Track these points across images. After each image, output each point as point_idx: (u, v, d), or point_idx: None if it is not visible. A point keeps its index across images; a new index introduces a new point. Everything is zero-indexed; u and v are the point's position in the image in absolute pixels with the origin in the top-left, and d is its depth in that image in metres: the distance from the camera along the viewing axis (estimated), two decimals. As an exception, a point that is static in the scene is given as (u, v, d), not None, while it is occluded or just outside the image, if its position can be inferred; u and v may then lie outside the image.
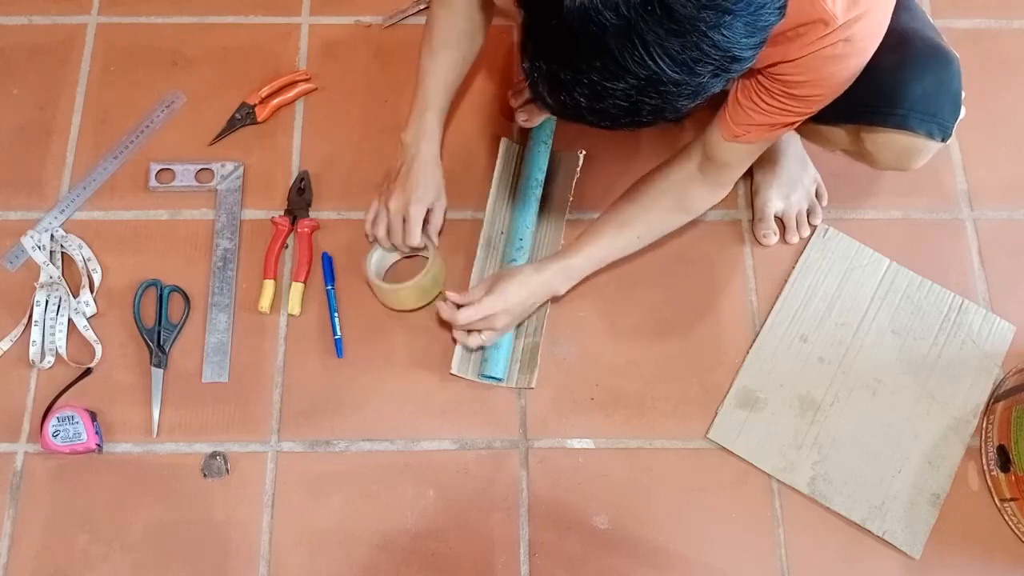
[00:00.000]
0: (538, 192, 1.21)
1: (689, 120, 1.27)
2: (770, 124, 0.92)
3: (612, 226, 1.11)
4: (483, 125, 1.29)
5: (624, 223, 1.10)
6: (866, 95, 0.93)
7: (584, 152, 1.21)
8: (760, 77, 0.89)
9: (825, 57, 0.83)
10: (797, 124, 0.93)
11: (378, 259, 1.17)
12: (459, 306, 1.08)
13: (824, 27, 0.80)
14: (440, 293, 1.14)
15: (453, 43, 1.11)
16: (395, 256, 1.19)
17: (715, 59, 0.67)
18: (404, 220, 1.13)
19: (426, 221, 1.14)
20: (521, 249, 1.17)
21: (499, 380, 1.13)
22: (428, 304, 1.16)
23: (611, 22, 0.64)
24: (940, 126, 0.95)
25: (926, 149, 0.97)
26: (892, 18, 0.90)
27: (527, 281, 1.09)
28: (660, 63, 0.65)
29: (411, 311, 1.17)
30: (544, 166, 1.22)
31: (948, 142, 0.97)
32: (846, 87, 0.88)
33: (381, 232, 1.15)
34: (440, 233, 1.18)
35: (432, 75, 1.12)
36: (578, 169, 1.21)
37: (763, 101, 0.90)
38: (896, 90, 0.94)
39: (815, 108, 0.90)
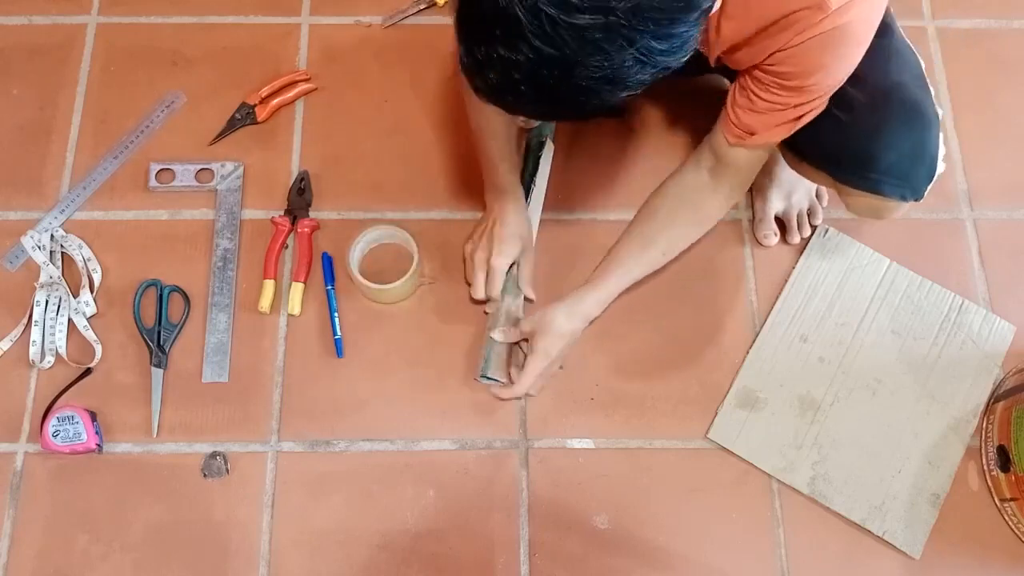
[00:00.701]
0: (537, 193, 1.21)
1: (687, 124, 1.27)
2: (770, 123, 0.92)
3: (636, 246, 1.10)
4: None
5: (648, 242, 1.10)
6: (842, 154, 0.96)
7: (551, 141, 1.21)
8: (756, 72, 0.89)
9: (820, 45, 0.82)
10: (799, 122, 0.92)
11: (361, 249, 1.17)
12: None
13: (819, 12, 0.79)
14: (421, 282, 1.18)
15: (494, 129, 1.09)
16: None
17: (625, 37, 0.66)
18: (488, 272, 1.12)
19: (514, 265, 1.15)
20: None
21: (500, 381, 1.13)
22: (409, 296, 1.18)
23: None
24: (912, 190, 0.97)
25: (897, 209, 1.00)
26: (879, 69, 0.91)
27: (565, 326, 1.09)
28: (563, 35, 0.65)
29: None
30: (540, 169, 1.22)
31: (919, 202, 0.98)
32: (844, 80, 0.88)
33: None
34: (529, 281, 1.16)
35: (487, 132, 1.09)
36: (550, 156, 1.21)
37: (759, 98, 0.90)
38: (871, 154, 0.95)
39: (813, 99, 0.89)
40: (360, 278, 1.13)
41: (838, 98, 0.90)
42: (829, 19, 0.80)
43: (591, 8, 0.64)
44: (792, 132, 0.93)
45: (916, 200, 0.97)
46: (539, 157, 1.21)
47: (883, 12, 0.86)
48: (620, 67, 0.68)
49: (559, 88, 0.69)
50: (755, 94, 0.90)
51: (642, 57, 0.68)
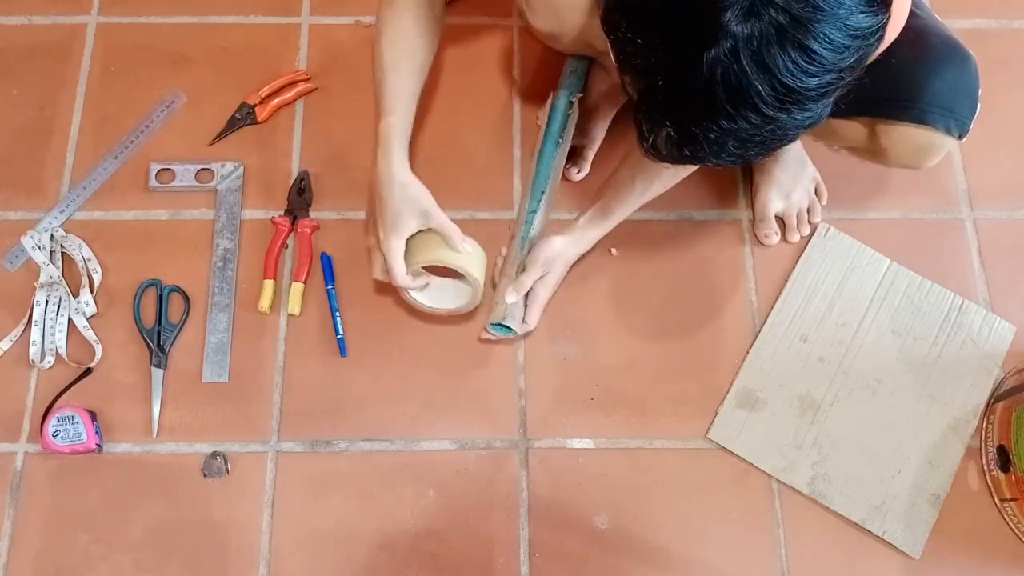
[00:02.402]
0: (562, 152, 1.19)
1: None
2: None
3: (641, 176, 1.10)
4: (482, 124, 1.29)
5: (653, 173, 1.09)
6: (884, 88, 0.92)
7: (580, 95, 1.19)
8: None
9: None
10: None
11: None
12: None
13: None
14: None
15: (401, 46, 1.01)
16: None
17: (845, 80, 0.69)
18: (386, 257, 1.01)
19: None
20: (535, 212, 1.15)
21: (512, 332, 1.11)
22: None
23: (755, 71, 0.65)
24: (958, 122, 0.95)
25: (942, 145, 0.97)
26: (910, 13, 0.90)
27: (572, 255, 1.13)
28: (803, 108, 0.68)
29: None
30: (568, 128, 1.20)
31: (963, 140, 0.97)
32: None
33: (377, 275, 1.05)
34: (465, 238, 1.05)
35: (388, 86, 1.00)
36: (571, 112, 1.19)
37: None
38: (915, 84, 0.94)
39: None
40: (430, 306, 1.11)
41: None
42: None
43: (823, 71, 0.67)
44: None
45: (961, 136, 0.96)
46: (568, 116, 1.19)
47: (907, 13, 0.87)
48: (826, 109, 0.71)
49: (768, 141, 0.71)
50: None
51: (836, 96, 0.71)
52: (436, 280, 1.11)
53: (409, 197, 0.99)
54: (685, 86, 0.68)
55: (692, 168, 1.11)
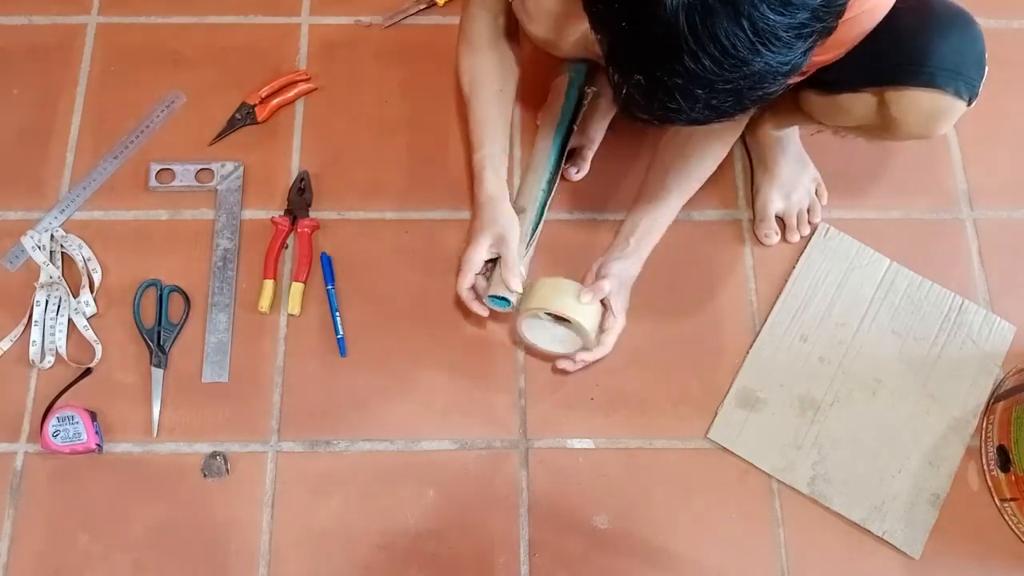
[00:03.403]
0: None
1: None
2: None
3: (675, 182, 1.09)
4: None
5: (687, 175, 1.09)
6: (891, 55, 0.93)
7: (594, 88, 1.19)
8: None
9: (848, 27, 0.83)
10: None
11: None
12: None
13: None
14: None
15: (486, 83, 1.07)
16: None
17: (814, 30, 0.67)
18: (462, 266, 1.04)
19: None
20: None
21: (508, 306, 1.06)
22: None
23: (717, 8, 0.64)
24: (967, 84, 0.94)
25: (952, 110, 0.96)
26: None
27: (635, 274, 1.09)
28: (770, 46, 0.66)
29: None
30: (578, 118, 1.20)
31: (972, 105, 0.96)
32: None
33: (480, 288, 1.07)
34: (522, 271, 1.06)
35: (474, 119, 1.08)
36: (585, 102, 1.19)
37: None
38: (921, 48, 0.93)
39: (830, 62, 0.90)
40: (545, 348, 1.10)
41: None
42: (857, 4, 0.81)
43: (793, 7, 0.65)
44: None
45: (970, 100, 0.95)
46: (581, 107, 1.19)
47: None
48: (803, 58, 0.69)
49: (743, 91, 0.70)
50: None
51: (812, 44, 0.69)
52: (546, 320, 1.08)
53: (492, 218, 1.04)
54: (648, 27, 0.67)
55: (717, 158, 1.09)
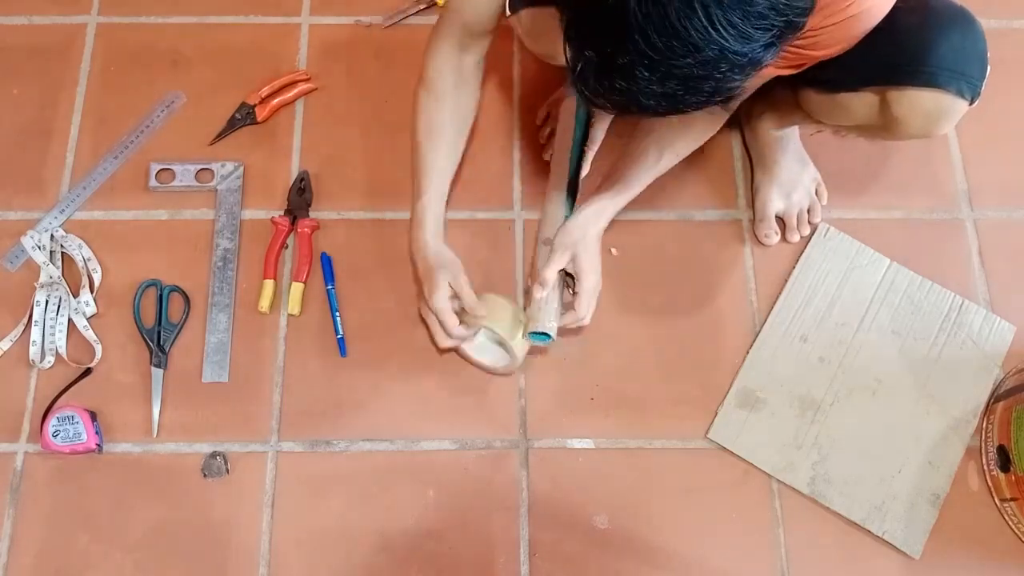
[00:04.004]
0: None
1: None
2: (781, 67, 0.92)
3: (652, 155, 1.07)
4: (483, 126, 1.29)
5: (663, 150, 1.07)
6: (892, 55, 0.93)
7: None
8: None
9: (848, 26, 0.84)
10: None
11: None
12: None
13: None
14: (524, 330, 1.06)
15: (440, 132, 1.06)
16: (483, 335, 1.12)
17: (773, 25, 0.66)
18: (437, 317, 1.04)
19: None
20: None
21: (550, 339, 1.05)
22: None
23: None
24: (969, 84, 0.94)
25: (954, 109, 0.96)
26: None
27: (595, 231, 1.06)
28: (723, 32, 0.64)
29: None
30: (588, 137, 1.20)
31: (974, 104, 0.96)
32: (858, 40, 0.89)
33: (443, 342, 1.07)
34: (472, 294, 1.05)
35: (423, 164, 1.07)
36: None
37: (780, 57, 0.90)
38: (923, 48, 0.93)
39: (829, 57, 0.90)
40: (483, 362, 1.12)
41: None
42: (855, 4, 0.82)
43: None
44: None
45: (973, 99, 0.95)
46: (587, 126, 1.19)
47: None
48: (758, 55, 0.68)
49: (700, 80, 0.68)
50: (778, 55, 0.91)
51: (774, 39, 0.68)
52: (485, 340, 1.11)
53: (440, 260, 1.04)
54: (600, 3, 0.66)
55: (706, 132, 1.08)
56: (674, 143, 1.08)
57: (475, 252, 1.20)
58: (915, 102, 0.96)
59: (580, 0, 0.69)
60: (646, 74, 0.67)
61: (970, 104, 0.95)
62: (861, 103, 1.02)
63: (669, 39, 0.65)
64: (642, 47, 0.66)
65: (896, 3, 0.88)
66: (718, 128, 1.10)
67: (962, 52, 0.94)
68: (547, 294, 1.04)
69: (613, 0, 0.65)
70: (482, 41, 1.05)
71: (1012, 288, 1.22)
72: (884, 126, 1.02)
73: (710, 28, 0.64)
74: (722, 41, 0.65)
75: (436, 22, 1.05)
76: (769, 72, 0.93)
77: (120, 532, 1.07)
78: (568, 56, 0.72)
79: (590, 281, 1.04)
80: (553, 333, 1.04)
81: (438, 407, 1.14)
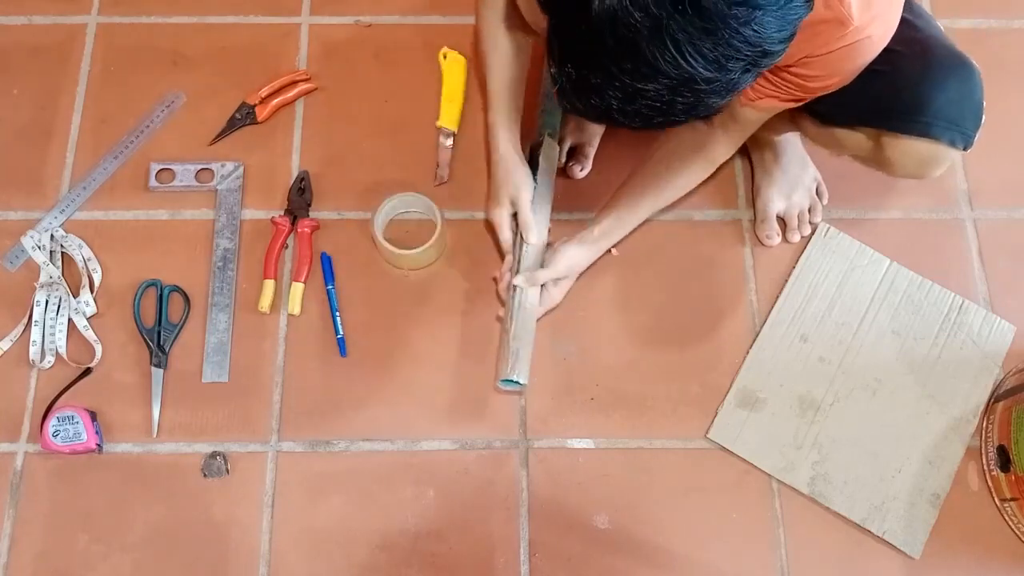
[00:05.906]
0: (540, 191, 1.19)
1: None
2: (787, 99, 0.94)
3: (652, 188, 1.11)
4: (482, 126, 1.29)
5: (663, 184, 1.10)
6: (890, 101, 0.94)
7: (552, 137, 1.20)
8: (779, 72, 0.89)
9: (845, 55, 0.84)
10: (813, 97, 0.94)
11: (385, 215, 1.19)
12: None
13: (841, 27, 0.81)
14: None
15: (503, 42, 1.08)
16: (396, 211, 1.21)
17: (747, 55, 0.67)
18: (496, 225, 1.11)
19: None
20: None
21: (521, 386, 1.07)
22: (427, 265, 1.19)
23: (641, 23, 0.64)
24: (963, 135, 0.95)
25: (946, 158, 0.98)
26: (911, 25, 0.91)
27: (585, 263, 1.13)
28: (693, 62, 0.66)
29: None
30: (541, 167, 1.20)
31: (967, 151, 0.97)
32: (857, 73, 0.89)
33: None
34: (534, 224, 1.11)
35: (491, 76, 1.10)
36: (561, 157, 1.21)
37: (778, 87, 0.91)
38: (920, 98, 0.94)
39: (831, 89, 0.91)
40: (385, 244, 1.15)
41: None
42: (852, 32, 0.82)
43: (716, 29, 0.65)
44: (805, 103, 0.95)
45: (965, 148, 0.96)
46: (539, 155, 1.19)
47: (898, 19, 0.87)
48: (735, 78, 0.69)
49: (672, 104, 0.70)
50: (776, 85, 0.91)
51: (751, 66, 0.69)
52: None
53: (505, 178, 1.10)
54: (577, 24, 0.68)
55: (698, 176, 1.11)
56: (672, 183, 1.11)
57: (475, 252, 1.20)
58: (909, 149, 0.98)
59: (561, 15, 0.70)
60: (618, 95, 0.69)
61: (963, 150, 0.97)
62: (855, 140, 1.03)
63: (638, 65, 0.67)
64: (613, 71, 0.68)
65: (899, 47, 0.89)
66: (713, 170, 1.10)
67: (958, 104, 0.95)
68: (519, 346, 1.06)
69: (590, 24, 0.66)
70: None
71: (1012, 288, 1.22)
72: (876, 162, 1.04)
73: (679, 58, 0.66)
74: (691, 70, 0.66)
75: None
76: (773, 105, 0.95)
77: (120, 532, 1.07)
78: (550, 70, 0.74)
79: (555, 301, 1.12)
80: (524, 381, 1.05)
81: (438, 407, 1.14)
